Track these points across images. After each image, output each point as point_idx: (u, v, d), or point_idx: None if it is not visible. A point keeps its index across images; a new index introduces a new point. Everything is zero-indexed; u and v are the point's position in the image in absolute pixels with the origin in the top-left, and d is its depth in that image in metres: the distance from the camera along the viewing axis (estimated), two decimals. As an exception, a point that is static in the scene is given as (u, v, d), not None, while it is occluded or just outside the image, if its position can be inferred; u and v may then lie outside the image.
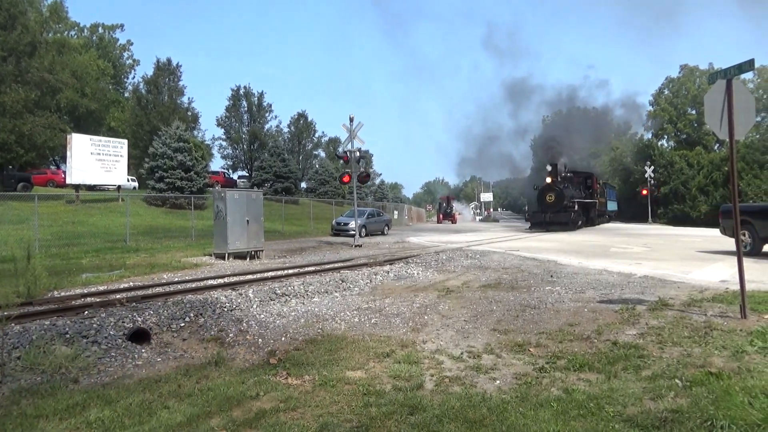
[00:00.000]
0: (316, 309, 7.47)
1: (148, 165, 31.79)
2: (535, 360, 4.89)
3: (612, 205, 45.36)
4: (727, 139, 6.32)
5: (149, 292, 8.84)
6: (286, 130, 67.80)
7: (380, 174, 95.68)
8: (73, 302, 7.92)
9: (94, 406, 3.91)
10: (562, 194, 28.92)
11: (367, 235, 26.49)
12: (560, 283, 9.31)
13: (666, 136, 55.81)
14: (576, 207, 29.41)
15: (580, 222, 29.87)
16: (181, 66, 47.39)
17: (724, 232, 14.19)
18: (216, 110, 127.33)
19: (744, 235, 12.91)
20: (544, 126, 67.59)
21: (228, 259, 14.72)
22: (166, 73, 46.40)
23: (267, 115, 62.47)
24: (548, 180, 29.58)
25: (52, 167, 42.07)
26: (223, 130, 60.64)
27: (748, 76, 46.61)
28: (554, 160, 31.71)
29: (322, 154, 69.52)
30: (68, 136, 26.90)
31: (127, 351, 5.37)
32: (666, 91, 56.84)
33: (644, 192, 43.94)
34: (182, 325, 6.37)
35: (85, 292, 9.03)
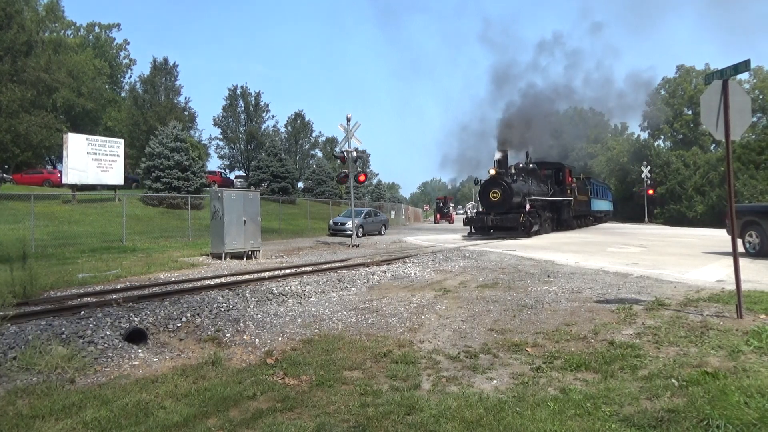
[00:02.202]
0: (314, 309, 7.46)
1: (145, 165, 31.70)
2: (532, 360, 4.90)
3: (601, 204, 39.08)
4: (724, 140, 6.34)
5: (146, 292, 8.82)
6: (283, 129, 67.82)
7: (377, 174, 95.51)
8: (70, 302, 7.89)
9: (91, 406, 3.90)
10: (510, 190, 21.94)
11: (364, 235, 26.49)
12: (557, 282, 9.32)
13: (662, 136, 56.02)
14: (528, 207, 22.41)
15: (536, 227, 22.86)
16: (177, 65, 47.38)
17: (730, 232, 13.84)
18: (213, 110, 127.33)
19: (752, 235, 12.64)
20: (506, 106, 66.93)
21: (225, 259, 14.70)
22: (163, 72, 46.32)
23: (264, 114, 62.39)
24: (492, 172, 22.62)
25: (49, 167, 41.93)
26: (219, 129, 60.59)
27: (744, 76, 46.83)
28: (505, 146, 24.57)
29: (319, 154, 69.46)
30: (65, 136, 26.81)
31: (123, 351, 5.36)
32: (662, 92, 57.03)
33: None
34: (179, 325, 6.36)
35: (82, 292, 9.01)
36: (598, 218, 38.40)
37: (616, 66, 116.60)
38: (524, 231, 21.76)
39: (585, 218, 33.23)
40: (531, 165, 26.39)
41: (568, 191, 28.12)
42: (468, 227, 24.00)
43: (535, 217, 22.82)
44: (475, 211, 27.68)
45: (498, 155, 23.66)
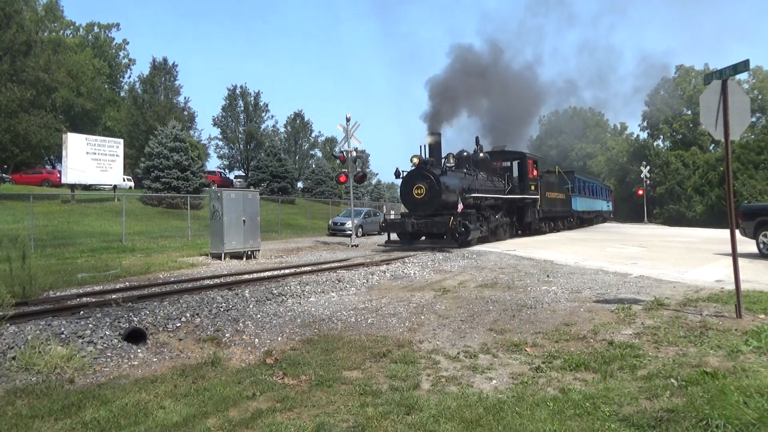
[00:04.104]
0: (313, 309, 7.46)
1: (144, 164, 31.70)
2: (532, 360, 4.90)
3: (589, 203, 33.85)
4: (723, 140, 6.34)
5: (145, 292, 8.82)
6: (282, 129, 67.87)
7: (377, 174, 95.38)
8: (69, 302, 7.89)
9: (90, 406, 3.90)
10: (437, 185, 16.55)
11: (363, 234, 26.49)
12: (556, 282, 9.33)
13: (662, 137, 56.01)
14: (461, 206, 16.64)
15: (476, 233, 17.21)
16: (177, 65, 47.38)
17: (744, 233, 13.11)
18: (212, 110, 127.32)
19: (765, 236, 12.39)
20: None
21: (224, 259, 14.70)
22: (162, 72, 46.32)
23: (263, 114, 62.43)
24: (414, 161, 16.99)
25: (48, 167, 41.92)
26: (219, 129, 60.62)
27: (743, 76, 46.84)
28: (437, 126, 18.56)
29: (319, 154, 69.51)
30: (64, 136, 26.81)
31: (122, 351, 5.36)
32: (662, 92, 57.02)
33: (640, 192, 43.20)
34: (178, 325, 6.36)
35: (81, 292, 9.01)
36: (586, 219, 33.79)
37: (622, 41, 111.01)
38: (458, 239, 16.52)
39: (563, 220, 28.20)
40: (482, 154, 20.70)
41: (533, 187, 22.56)
42: (387, 233, 18.58)
43: (476, 220, 17.44)
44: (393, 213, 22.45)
45: (428, 139, 17.93)
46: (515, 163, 22.63)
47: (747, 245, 12.78)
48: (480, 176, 19.34)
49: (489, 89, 24.14)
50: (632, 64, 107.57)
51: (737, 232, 12.93)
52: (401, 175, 17.74)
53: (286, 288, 8.89)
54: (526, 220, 22.22)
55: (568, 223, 29.34)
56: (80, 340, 5.46)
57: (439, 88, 20.00)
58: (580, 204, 30.73)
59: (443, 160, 17.71)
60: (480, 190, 18.55)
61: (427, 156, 17.45)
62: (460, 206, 16.59)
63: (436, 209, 16.67)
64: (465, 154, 19.50)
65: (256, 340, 5.88)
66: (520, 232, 22.54)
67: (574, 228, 29.86)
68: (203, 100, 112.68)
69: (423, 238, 17.85)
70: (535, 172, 23.15)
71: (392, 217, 21.10)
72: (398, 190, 18.64)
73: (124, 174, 32.57)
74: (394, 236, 18.31)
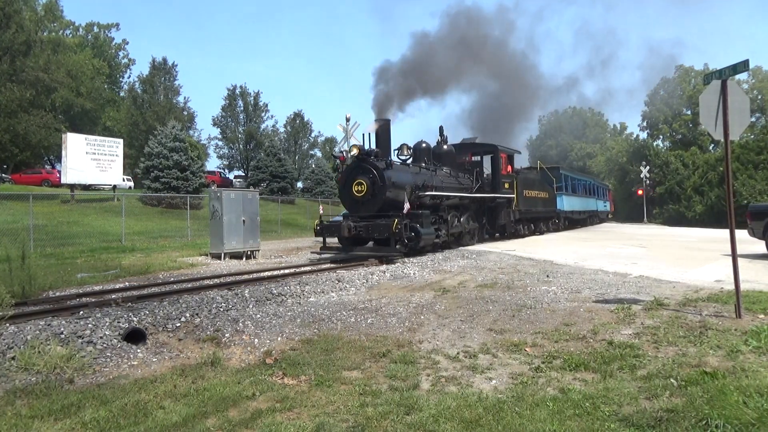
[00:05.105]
0: (312, 309, 7.46)
1: (144, 165, 31.70)
2: (531, 360, 4.90)
3: (581, 203, 31.03)
4: (722, 140, 6.35)
5: (145, 292, 8.82)
6: (282, 129, 67.94)
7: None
8: (69, 302, 7.88)
9: (90, 406, 3.90)
10: (381, 180, 13.60)
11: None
12: (556, 282, 9.33)
13: (661, 137, 56.07)
14: (408, 207, 13.46)
15: (431, 239, 14.22)
16: (176, 65, 47.45)
17: (752, 233, 12.72)
18: (212, 110, 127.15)
19: None
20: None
21: (224, 258, 14.69)
22: (162, 72, 46.40)
23: (263, 114, 62.51)
24: (354, 151, 14.21)
25: (47, 167, 41.94)
26: (219, 129, 60.69)
27: (743, 76, 46.86)
28: (384, 111, 15.59)
29: (319, 154, 69.54)
30: (63, 136, 26.83)
31: (122, 351, 5.36)
32: (662, 92, 57.07)
33: (639, 192, 43.52)
34: (178, 325, 6.35)
35: (81, 292, 9.00)
36: (577, 220, 31.07)
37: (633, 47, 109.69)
38: (409, 245, 13.45)
39: (546, 221, 25.27)
40: (446, 146, 17.77)
41: (507, 185, 19.35)
42: (323, 237, 14.81)
43: (430, 222, 14.42)
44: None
45: (374, 125, 14.91)
46: (486, 158, 19.32)
47: (749, 245, 12.77)
48: (441, 172, 16.39)
49: (481, 65, 21.20)
50: (640, 56, 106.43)
51: (746, 232, 12.72)
52: (339, 169, 15.05)
53: (285, 288, 8.89)
54: (499, 222, 19.25)
55: (554, 224, 26.43)
56: (80, 340, 5.46)
57: (411, 60, 16.90)
58: (567, 203, 27.87)
59: (395, 152, 15.18)
60: (440, 188, 15.62)
61: (374, 146, 14.44)
62: (407, 206, 13.55)
63: (380, 209, 13.76)
64: (424, 145, 16.59)
65: (256, 340, 5.88)
66: (498, 235, 20.17)
67: (561, 230, 27.13)
68: (203, 100, 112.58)
69: (370, 243, 14.84)
70: (509, 168, 20.11)
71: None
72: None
73: (123, 174, 32.58)
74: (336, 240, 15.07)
